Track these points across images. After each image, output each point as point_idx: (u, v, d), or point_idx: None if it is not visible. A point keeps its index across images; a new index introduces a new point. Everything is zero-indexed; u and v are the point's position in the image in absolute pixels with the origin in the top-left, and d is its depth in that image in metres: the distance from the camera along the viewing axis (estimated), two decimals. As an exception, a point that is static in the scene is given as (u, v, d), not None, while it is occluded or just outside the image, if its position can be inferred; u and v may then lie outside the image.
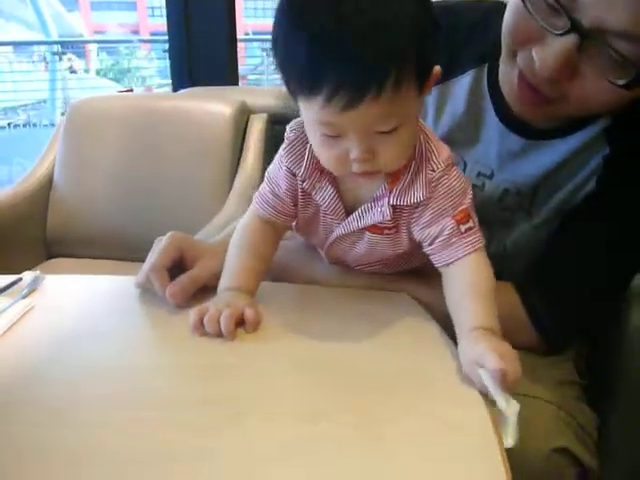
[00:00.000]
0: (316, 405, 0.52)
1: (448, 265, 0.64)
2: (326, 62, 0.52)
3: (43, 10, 10.27)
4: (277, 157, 0.69)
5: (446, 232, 0.63)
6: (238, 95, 1.74)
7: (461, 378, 0.56)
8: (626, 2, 0.56)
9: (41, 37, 10.00)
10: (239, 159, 1.61)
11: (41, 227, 1.66)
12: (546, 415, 0.70)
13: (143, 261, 0.72)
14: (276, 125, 1.68)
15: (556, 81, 0.64)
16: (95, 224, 1.64)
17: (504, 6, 0.80)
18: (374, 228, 0.67)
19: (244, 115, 1.65)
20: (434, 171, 0.63)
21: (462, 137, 0.80)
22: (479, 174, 0.80)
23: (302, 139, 0.65)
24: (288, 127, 0.67)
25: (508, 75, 0.70)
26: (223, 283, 0.68)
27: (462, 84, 0.80)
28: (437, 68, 0.60)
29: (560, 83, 0.64)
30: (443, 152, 0.64)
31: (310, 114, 0.57)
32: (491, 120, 0.78)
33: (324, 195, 0.67)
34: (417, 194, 0.63)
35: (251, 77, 8.67)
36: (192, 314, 0.63)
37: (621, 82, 0.60)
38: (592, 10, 0.58)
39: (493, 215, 0.80)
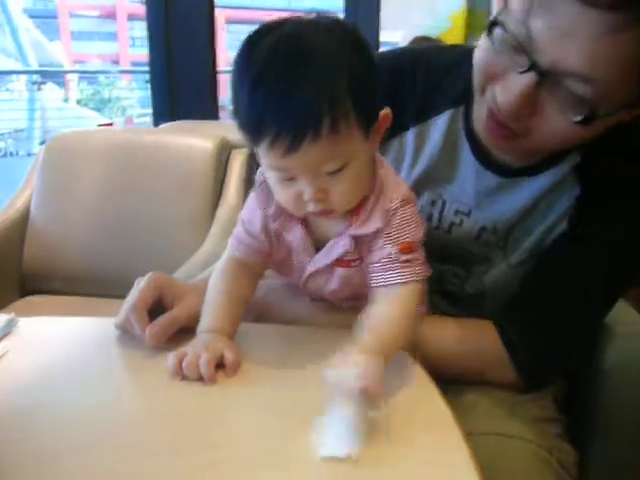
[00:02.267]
0: (295, 451, 0.52)
1: (379, 287, 0.66)
2: (265, 112, 0.56)
3: (22, 39, 10.28)
4: (249, 199, 0.71)
5: (388, 256, 0.65)
6: (220, 130, 1.75)
7: (445, 420, 0.56)
8: (581, 46, 0.59)
9: (20, 66, 9.99)
10: (220, 195, 1.61)
11: (16, 262, 1.63)
12: (525, 454, 0.70)
13: (122, 298, 0.72)
14: (256, 160, 1.68)
15: (518, 116, 0.66)
16: (73, 260, 1.62)
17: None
18: (341, 262, 0.69)
19: (225, 150, 1.66)
20: (391, 202, 0.65)
21: (440, 175, 0.82)
22: (457, 212, 0.82)
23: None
24: (258, 171, 0.69)
25: (479, 110, 0.73)
26: (202, 326, 0.68)
27: (438, 125, 0.82)
28: (386, 112, 0.64)
29: (523, 118, 0.66)
30: (402, 188, 0.67)
31: (263, 159, 0.61)
32: (467, 159, 0.80)
33: (294, 234, 0.69)
34: (374, 224, 0.65)
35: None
36: (171, 358, 0.63)
37: (577, 119, 0.63)
38: (549, 52, 0.61)
39: (471, 252, 0.82)
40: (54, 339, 0.73)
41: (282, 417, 0.57)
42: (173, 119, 2.27)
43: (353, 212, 0.66)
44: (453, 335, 0.77)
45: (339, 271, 0.70)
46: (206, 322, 0.68)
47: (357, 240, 0.67)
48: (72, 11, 16.77)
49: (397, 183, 0.68)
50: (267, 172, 0.63)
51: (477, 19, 4.42)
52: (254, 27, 0.60)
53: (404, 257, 0.65)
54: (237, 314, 0.70)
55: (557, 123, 0.65)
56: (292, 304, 0.79)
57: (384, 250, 0.65)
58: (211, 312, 0.69)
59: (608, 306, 0.78)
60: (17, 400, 0.59)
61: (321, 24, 0.59)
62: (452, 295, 0.84)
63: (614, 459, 0.85)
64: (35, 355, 0.68)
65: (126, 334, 0.70)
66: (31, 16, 13.40)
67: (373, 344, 0.58)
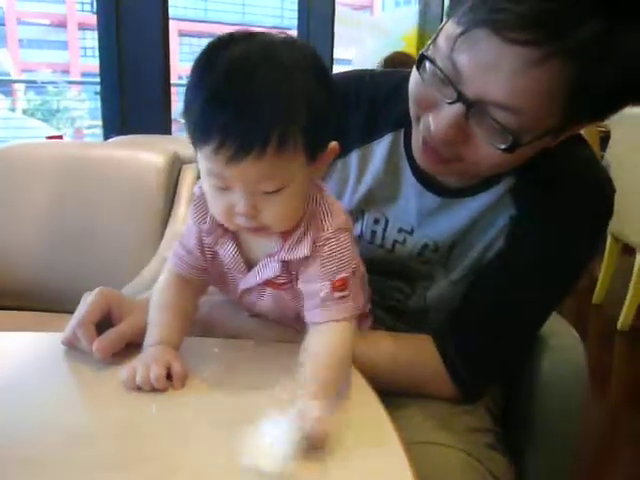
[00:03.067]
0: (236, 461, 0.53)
1: (314, 324, 0.67)
2: (216, 117, 0.56)
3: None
4: (188, 214, 0.72)
5: (321, 294, 0.65)
6: (170, 144, 1.75)
7: (384, 430, 0.58)
8: (503, 79, 0.62)
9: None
10: (170, 210, 1.60)
11: (-40, 277, 1.58)
12: (454, 462, 0.72)
13: (71, 313, 0.72)
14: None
15: (450, 143, 0.70)
16: (21, 275, 1.59)
17: None
18: (272, 284, 0.70)
19: (177, 166, 1.65)
20: (323, 231, 0.66)
21: (383, 195, 0.85)
22: (400, 230, 0.85)
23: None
24: (196, 185, 0.70)
25: (415, 136, 0.76)
26: (147, 340, 0.68)
27: (381, 147, 0.85)
28: (333, 144, 0.65)
29: (454, 145, 0.70)
30: (338, 216, 0.67)
31: (202, 163, 0.61)
32: (408, 180, 0.84)
33: (226, 250, 0.70)
34: (303, 250, 0.65)
35: (184, 121, 8.65)
36: (124, 373, 0.63)
37: (502, 147, 0.67)
38: (474, 84, 0.65)
39: (414, 269, 0.84)
40: (3, 354, 0.72)
41: (227, 427, 0.58)
42: (123, 132, 2.24)
43: (285, 234, 0.66)
44: (389, 350, 0.79)
45: (270, 291, 0.71)
46: (152, 336, 0.68)
47: (287, 264, 0.68)
48: (20, 18, 16.34)
49: (334, 211, 0.67)
50: (204, 179, 0.63)
51: (427, 40, 4.54)
52: (207, 40, 0.61)
53: (338, 294, 0.65)
54: (181, 326, 0.71)
55: (485, 150, 0.68)
56: (235, 320, 0.80)
57: (317, 286, 0.66)
58: (156, 326, 0.69)
59: (542, 319, 0.82)
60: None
61: (286, 45, 0.60)
62: (396, 310, 0.86)
63: (549, 469, 0.88)
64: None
65: (74, 349, 0.70)
66: (-24, 22, 13.01)
67: (319, 393, 0.58)
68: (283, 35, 0.61)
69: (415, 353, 0.80)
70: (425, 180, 0.82)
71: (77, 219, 1.60)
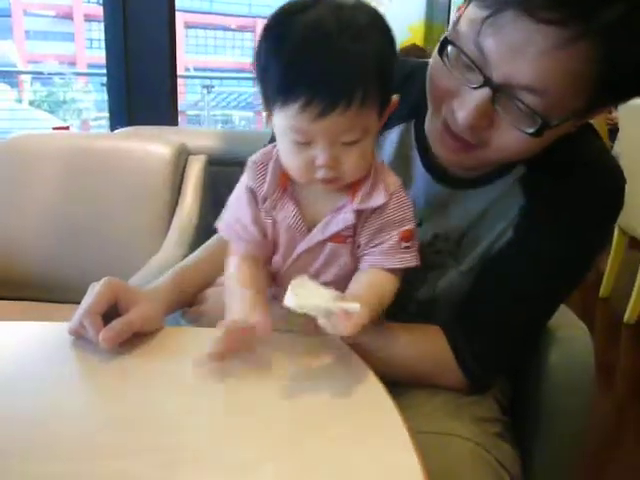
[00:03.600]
0: (249, 454, 0.53)
1: (374, 267, 0.71)
2: (302, 77, 0.60)
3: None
4: (239, 187, 0.74)
5: (389, 242, 0.70)
6: (177, 136, 1.75)
7: (394, 425, 0.58)
8: (531, 61, 0.62)
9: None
10: (177, 201, 1.61)
11: (-33, 267, 1.59)
12: (462, 452, 0.72)
13: (76, 303, 0.72)
14: (214, 166, 1.69)
15: (475, 129, 0.69)
16: (26, 265, 1.59)
17: (427, 65, 0.87)
18: (337, 237, 0.71)
19: (183, 156, 1.65)
20: (391, 185, 0.71)
21: None
22: None
23: (264, 162, 0.72)
24: (249, 159, 0.73)
25: (434, 126, 0.75)
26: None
27: (391, 138, 0.85)
28: (395, 97, 0.69)
29: (479, 131, 0.69)
30: (394, 176, 0.72)
31: (284, 121, 0.64)
32: (418, 170, 0.83)
33: (286, 213, 0.71)
34: (378, 198, 0.69)
35: (190, 112, 8.65)
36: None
37: (530, 130, 0.66)
38: (501, 67, 0.64)
39: (426, 258, 0.84)
40: (7, 344, 0.73)
41: (234, 420, 0.58)
42: (130, 123, 2.24)
43: (351, 187, 0.69)
44: (401, 341, 0.78)
45: (329, 248, 0.72)
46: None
47: (359, 214, 0.70)
48: (27, 9, 16.36)
49: (390, 171, 0.72)
50: (282, 137, 0.66)
51: (434, 31, 4.52)
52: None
53: (404, 244, 0.70)
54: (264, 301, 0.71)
55: (511, 135, 0.68)
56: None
57: (384, 236, 0.70)
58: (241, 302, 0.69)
59: (550, 311, 0.81)
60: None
61: (356, 7, 0.63)
62: (405, 301, 0.86)
63: (554, 460, 0.88)
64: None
65: (80, 339, 0.70)
66: (-18, 14, 13.03)
67: (371, 299, 0.64)
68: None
69: (425, 344, 0.79)
70: (435, 171, 0.82)
71: (83, 210, 1.60)
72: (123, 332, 0.69)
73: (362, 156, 0.66)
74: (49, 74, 9.82)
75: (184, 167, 1.65)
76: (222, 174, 1.68)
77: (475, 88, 0.67)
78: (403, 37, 4.25)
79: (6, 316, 1.44)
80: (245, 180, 0.73)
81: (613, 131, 3.10)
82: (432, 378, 0.80)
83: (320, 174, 0.66)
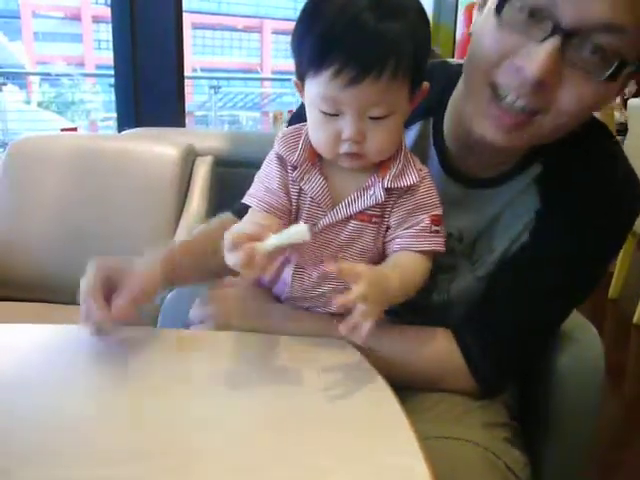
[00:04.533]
0: (256, 455, 0.53)
1: (404, 250, 0.71)
2: (337, 43, 0.62)
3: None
4: (268, 158, 0.75)
5: (420, 225, 0.71)
6: (184, 137, 1.75)
7: (402, 429, 0.58)
8: None
9: (-20, 67, 9.73)
10: (184, 203, 1.61)
11: (-26, 268, 1.60)
12: (472, 457, 0.72)
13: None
14: (221, 168, 1.68)
15: (543, 89, 0.65)
16: (32, 266, 1.59)
17: (447, 64, 0.85)
18: (362, 215, 0.72)
19: (190, 157, 1.65)
20: (421, 169, 0.72)
21: None
22: None
23: (297, 132, 0.73)
24: (279, 132, 0.75)
25: (480, 106, 0.70)
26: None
27: (409, 136, 0.83)
28: (425, 84, 0.69)
29: (545, 91, 0.65)
30: (421, 164, 0.73)
31: (315, 90, 0.65)
32: (434, 168, 0.81)
33: (313, 185, 0.72)
34: (410, 177, 0.70)
35: (198, 113, 8.66)
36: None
37: (606, 74, 0.63)
38: (572, 8, 0.61)
39: (438, 260, 0.83)
40: (12, 345, 0.73)
41: (240, 421, 0.58)
42: (137, 124, 2.25)
43: (380, 167, 0.70)
44: (410, 343, 0.78)
45: (354, 224, 0.72)
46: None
47: (390, 192, 0.71)
48: (35, 11, 16.45)
49: (417, 158, 0.73)
50: (311, 108, 0.67)
51: (442, 32, 4.51)
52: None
53: (435, 228, 0.71)
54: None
55: (577, 92, 0.65)
56: (255, 313, 0.79)
57: (415, 219, 0.71)
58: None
59: (563, 316, 0.81)
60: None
61: None
62: (417, 305, 0.85)
63: (564, 463, 0.87)
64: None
65: (85, 341, 0.70)
66: (-9, 15, 13.11)
67: (395, 275, 0.66)
68: None
69: (434, 346, 0.78)
70: (450, 169, 0.81)
71: (91, 211, 1.60)
72: (129, 304, 0.69)
73: (389, 134, 0.67)
74: (57, 75, 9.87)
75: (191, 168, 1.65)
76: (229, 175, 1.68)
77: (543, 40, 0.63)
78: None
79: (9, 317, 1.44)
80: (275, 149, 0.74)
81: (621, 131, 3.07)
82: (441, 382, 0.79)
83: (345, 148, 0.66)
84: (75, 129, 2.77)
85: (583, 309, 0.90)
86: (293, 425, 0.58)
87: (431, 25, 0.72)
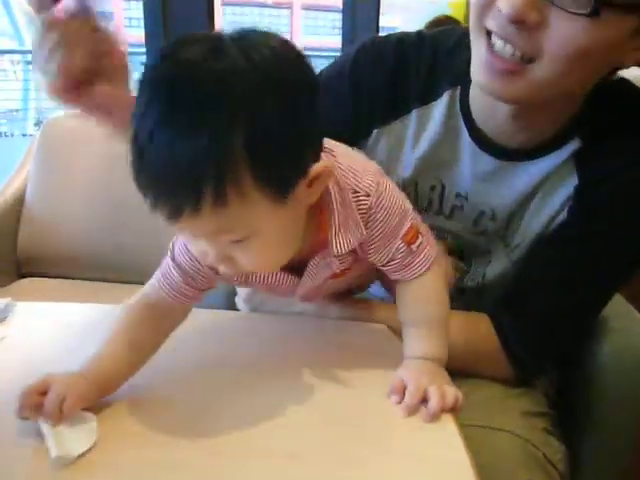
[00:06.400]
0: (294, 444, 0.53)
1: (404, 282, 0.66)
2: (143, 178, 0.49)
3: (17, 18, 10.13)
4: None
5: (399, 255, 0.63)
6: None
7: (442, 419, 0.57)
8: None
9: (15, 45, 9.85)
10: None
11: (12, 245, 1.62)
12: (512, 448, 0.71)
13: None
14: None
15: (524, 28, 0.62)
16: (68, 244, 1.61)
17: None
18: (334, 275, 0.67)
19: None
20: (366, 202, 0.60)
21: (440, 159, 0.80)
22: (458, 195, 0.81)
23: None
24: None
25: (478, 51, 0.69)
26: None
27: (439, 107, 0.80)
28: (319, 167, 0.52)
29: (530, 33, 0.62)
30: (367, 171, 0.61)
31: None
32: (465, 140, 0.78)
33: (263, 275, 0.66)
34: (357, 233, 0.60)
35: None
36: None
37: (586, 11, 0.58)
38: None
39: (469, 242, 0.81)
40: (51, 325, 0.73)
41: (278, 410, 0.58)
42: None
43: (319, 240, 0.61)
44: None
45: (332, 282, 0.69)
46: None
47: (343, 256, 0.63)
48: (67, -11, 16.54)
49: (360, 171, 0.60)
50: None
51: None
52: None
53: (415, 246, 0.63)
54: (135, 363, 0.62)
55: (567, 30, 0.61)
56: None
57: (390, 250, 0.63)
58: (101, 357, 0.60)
59: (604, 300, 0.78)
60: (14, 386, 0.59)
61: (242, 50, 0.49)
62: (451, 289, 0.84)
63: (604, 455, 0.86)
64: (32, 341, 0.68)
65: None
66: (25, -6, 13.23)
67: (432, 352, 0.63)
68: (251, 38, 0.52)
69: (472, 332, 0.77)
70: (481, 140, 0.77)
71: (124, 189, 1.58)
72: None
73: (265, 251, 0.54)
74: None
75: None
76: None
77: None
78: (444, 12, 4.13)
79: (47, 294, 1.47)
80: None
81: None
82: (477, 366, 0.78)
83: (221, 269, 0.56)
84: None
85: (627, 295, 0.88)
86: (329, 414, 0.58)
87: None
